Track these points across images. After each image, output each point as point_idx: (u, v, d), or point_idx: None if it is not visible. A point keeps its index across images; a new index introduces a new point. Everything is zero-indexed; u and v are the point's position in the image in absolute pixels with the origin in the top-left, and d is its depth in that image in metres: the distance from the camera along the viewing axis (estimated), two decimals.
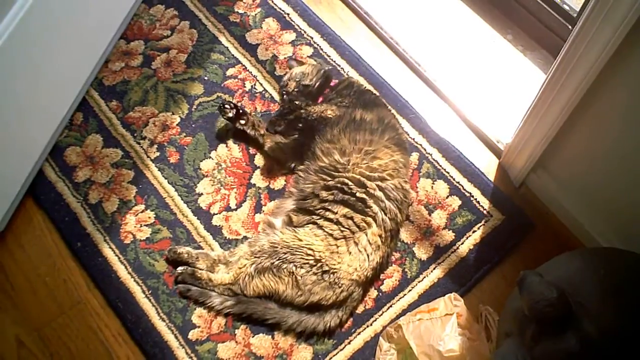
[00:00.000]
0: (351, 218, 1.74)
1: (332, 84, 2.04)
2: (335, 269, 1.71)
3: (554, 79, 1.60)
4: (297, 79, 2.01)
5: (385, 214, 1.76)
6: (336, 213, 1.75)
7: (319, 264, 1.70)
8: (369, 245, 1.74)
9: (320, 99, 2.02)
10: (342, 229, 1.74)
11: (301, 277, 1.70)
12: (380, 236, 1.75)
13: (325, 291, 1.71)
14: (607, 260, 1.46)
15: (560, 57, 1.55)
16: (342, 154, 1.82)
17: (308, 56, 2.18)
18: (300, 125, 1.90)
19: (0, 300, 1.82)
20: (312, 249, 1.71)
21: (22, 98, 1.82)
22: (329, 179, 1.80)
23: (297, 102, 1.90)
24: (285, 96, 2.00)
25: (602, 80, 1.47)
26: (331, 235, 1.73)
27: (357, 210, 1.75)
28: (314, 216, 1.77)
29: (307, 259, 1.70)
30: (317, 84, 2.01)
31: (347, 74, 2.16)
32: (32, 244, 1.90)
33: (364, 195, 1.76)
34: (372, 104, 1.92)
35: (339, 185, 1.77)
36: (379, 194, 1.76)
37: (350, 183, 1.77)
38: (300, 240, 1.72)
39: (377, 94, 2.05)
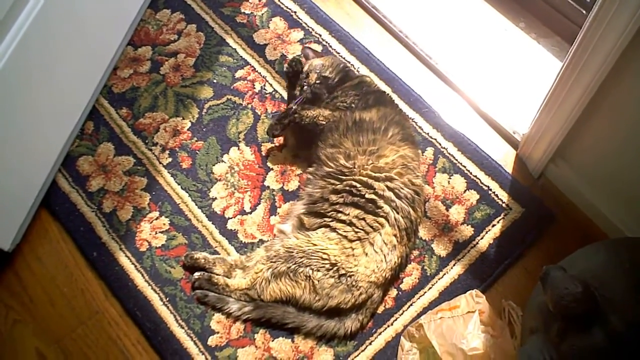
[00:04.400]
0: (363, 219, 1.72)
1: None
2: (352, 271, 1.69)
3: (570, 67, 1.56)
4: (317, 71, 1.99)
5: (398, 213, 1.74)
6: (348, 214, 1.73)
7: (335, 268, 1.68)
8: (385, 245, 1.71)
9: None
10: (356, 229, 1.71)
11: (318, 280, 1.68)
12: (395, 235, 1.73)
13: (343, 294, 1.69)
14: (632, 251, 1.42)
15: (576, 44, 1.51)
16: (346, 158, 1.80)
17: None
18: (296, 127, 1.92)
19: (19, 313, 1.83)
20: (327, 254, 1.69)
21: (32, 109, 1.82)
22: (337, 182, 1.78)
23: (292, 106, 1.93)
24: (305, 87, 1.98)
25: (620, 66, 1.43)
26: (345, 237, 1.71)
27: (368, 211, 1.73)
28: (325, 219, 1.75)
29: (323, 263, 1.68)
30: (337, 77, 1.99)
31: (357, 71, 2.12)
32: (49, 256, 1.90)
33: (373, 196, 1.73)
34: (373, 104, 1.89)
35: (347, 188, 1.75)
36: (388, 194, 1.74)
37: (358, 185, 1.75)
38: (315, 245, 1.70)
39: (387, 92, 2.01)
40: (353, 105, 1.89)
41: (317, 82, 1.97)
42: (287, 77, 2.08)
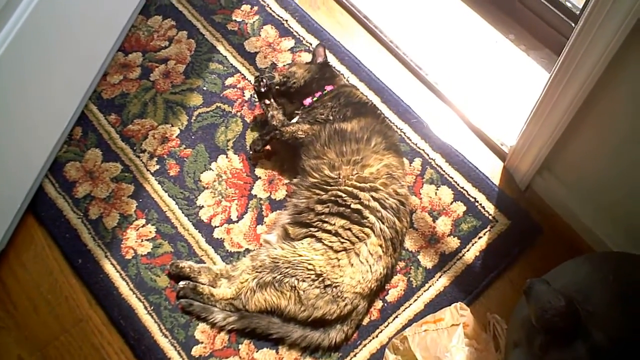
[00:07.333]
0: (349, 229, 1.72)
1: (328, 88, 2.00)
2: (337, 282, 1.68)
3: (557, 78, 1.56)
4: (286, 76, 2.01)
5: (383, 223, 1.73)
6: (334, 224, 1.72)
7: (321, 278, 1.68)
8: (370, 256, 1.71)
9: (308, 100, 1.99)
10: (342, 240, 1.71)
11: (304, 291, 1.68)
12: (380, 246, 1.72)
13: (329, 305, 1.68)
14: (617, 265, 1.42)
15: (563, 55, 1.51)
16: (331, 169, 1.80)
17: (307, 63, 2.13)
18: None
19: (2, 320, 1.81)
20: (312, 264, 1.68)
21: (20, 114, 1.81)
22: (322, 193, 1.78)
23: (273, 123, 1.96)
24: (260, 78, 2.00)
25: (607, 78, 1.43)
26: (331, 247, 1.71)
27: (354, 221, 1.73)
28: (311, 229, 1.75)
29: (308, 274, 1.68)
30: (297, 86, 2.00)
31: (347, 80, 2.12)
32: (34, 262, 1.89)
33: (358, 206, 1.73)
34: (353, 115, 1.89)
35: (332, 198, 1.75)
36: (373, 204, 1.74)
37: (343, 195, 1.75)
38: (300, 255, 1.70)
39: (369, 102, 2.00)
40: (331, 117, 1.89)
41: (277, 83, 2.02)
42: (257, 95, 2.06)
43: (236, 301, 1.73)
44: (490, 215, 1.90)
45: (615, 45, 1.34)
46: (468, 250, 1.85)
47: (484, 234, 1.87)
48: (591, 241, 1.81)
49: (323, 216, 1.74)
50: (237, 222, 1.92)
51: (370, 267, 1.70)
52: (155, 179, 1.99)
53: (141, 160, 2.02)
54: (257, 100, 2.07)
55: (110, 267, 1.85)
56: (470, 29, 2.26)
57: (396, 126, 2.05)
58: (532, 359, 1.35)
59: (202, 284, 1.77)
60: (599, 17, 1.34)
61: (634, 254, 1.46)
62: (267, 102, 2.01)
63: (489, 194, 1.93)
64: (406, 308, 1.79)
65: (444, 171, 1.98)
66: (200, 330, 1.76)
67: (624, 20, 1.29)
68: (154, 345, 1.75)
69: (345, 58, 2.20)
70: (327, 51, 2.17)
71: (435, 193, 1.95)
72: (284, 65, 2.18)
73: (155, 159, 2.02)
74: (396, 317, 1.78)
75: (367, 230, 1.72)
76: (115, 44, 2.19)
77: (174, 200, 1.96)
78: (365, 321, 1.77)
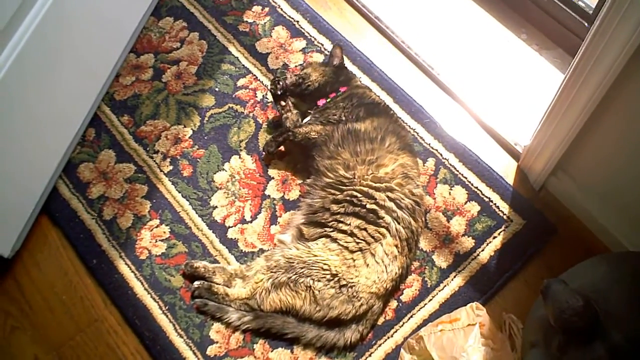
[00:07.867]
0: (365, 229, 1.72)
1: (342, 89, 2.00)
2: (353, 282, 1.68)
3: (572, 79, 1.56)
4: (301, 77, 2.01)
5: (399, 223, 1.73)
6: (349, 224, 1.72)
7: (336, 278, 1.68)
8: (386, 256, 1.71)
9: (322, 102, 1.99)
10: (357, 240, 1.71)
11: (319, 291, 1.68)
12: (396, 246, 1.72)
13: (344, 305, 1.68)
14: (634, 265, 1.42)
15: (579, 56, 1.51)
16: (346, 169, 1.80)
17: (322, 64, 2.12)
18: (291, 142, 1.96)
19: (18, 320, 1.82)
20: (327, 264, 1.68)
21: (33, 116, 1.81)
22: (338, 193, 1.78)
23: (286, 124, 1.97)
24: (276, 80, 2.01)
25: (624, 78, 1.43)
26: (347, 248, 1.71)
27: (370, 221, 1.73)
28: (326, 229, 1.75)
29: (323, 274, 1.68)
30: (312, 89, 2.00)
31: (359, 80, 2.12)
32: (48, 262, 1.89)
33: (374, 207, 1.73)
34: (365, 115, 1.89)
35: (347, 198, 1.75)
36: (389, 204, 1.74)
37: (359, 195, 1.75)
38: (315, 255, 1.70)
39: (382, 102, 2.00)
40: (343, 117, 1.89)
41: (291, 84, 2.01)
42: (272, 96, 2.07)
43: (251, 301, 1.73)
44: (505, 215, 1.90)
45: (633, 45, 1.34)
46: (483, 250, 1.85)
47: (499, 234, 1.87)
48: (607, 241, 1.80)
49: (338, 216, 1.75)
50: (250, 222, 1.93)
51: (386, 267, 1.70)
52: (169, 180, 1.99)
53: (154, 161, 2.03)
54: (271, 101, 2.08)
55: (124, 268, 1.86)
56: (482, 28, 2.26)
57: (409, 126, 2.05)
58: (550, 359, 1.35)
59: (217, 283, 1.77)
60: (616, 17, 1.33)
61: None
62: (283, 103, 2.01)
63: (503, 194, 1.93)
64: (421, 308, 1.79)
65: (458, 171, 1.98)
66: (215, 330, 1.76)
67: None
68: (169, 345, 1.75)
69: (357, 58, 2.20)
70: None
71: (449, 193, 1.95)
72: (296, 66, 2.19)
73: (169, 159, 2.03)
74: (411, 317, 1.78)
75: (382, 230, 1.72)
76: (127, 46, 2.20)
77: (187, 200, 1.96)
78: (380, 321, 1.77)
